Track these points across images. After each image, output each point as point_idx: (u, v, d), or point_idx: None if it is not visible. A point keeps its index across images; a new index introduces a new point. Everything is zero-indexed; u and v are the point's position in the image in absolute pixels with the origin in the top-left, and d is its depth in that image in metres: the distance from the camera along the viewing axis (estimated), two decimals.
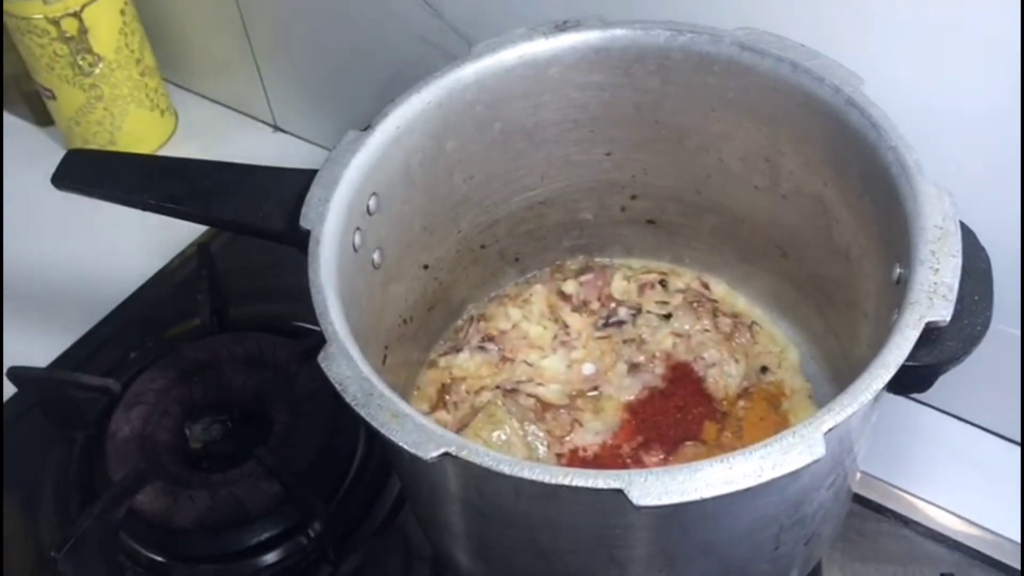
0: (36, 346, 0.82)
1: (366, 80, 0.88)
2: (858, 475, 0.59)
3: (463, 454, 0.44)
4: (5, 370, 0.76)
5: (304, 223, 0.54)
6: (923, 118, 0.57)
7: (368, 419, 0.46)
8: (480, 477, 0.47)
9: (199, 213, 0.61)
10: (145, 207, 0.61)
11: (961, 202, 0.51)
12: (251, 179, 0.61)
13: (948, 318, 0.47)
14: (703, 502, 0.42)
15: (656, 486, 0.42)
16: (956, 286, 0.47)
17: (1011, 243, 0.63)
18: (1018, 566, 0.67)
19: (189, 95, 1.06)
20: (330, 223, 0.54)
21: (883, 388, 0.45)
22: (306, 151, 0.99)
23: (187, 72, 1.05)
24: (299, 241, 0.54)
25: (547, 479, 0.43)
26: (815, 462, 0.43)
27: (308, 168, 0.58)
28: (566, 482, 0.43)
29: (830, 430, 0.43)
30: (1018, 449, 0.73)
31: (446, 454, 0.44)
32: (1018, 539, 0.68)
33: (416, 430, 0.45)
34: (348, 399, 0.47)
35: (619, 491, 0.42)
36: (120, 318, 0.86)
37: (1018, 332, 0.67)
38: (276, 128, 1.03)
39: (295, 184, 0.57)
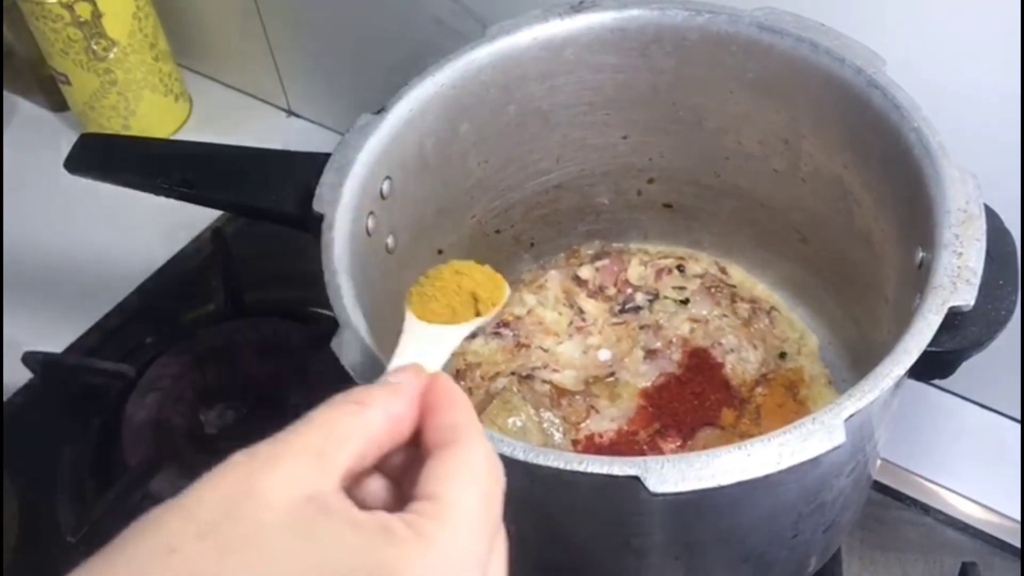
0: (51, 331, 0.82)
1: (380, 64, 0.88)
2: (878, 462, 0.59)
3: None
4: (21, 355, 0.76)
5: (317, 207, 0.54)
6: (946, 99, 0.56)
7: None
8: None
9: (212, 197, 0.61)
10: (158, 191, 0.61)
11: (987, 185, 0.50)
12: (264, 163, 0.60)
13: (972, 302, 0.46)
14: (721, 489, 0.42)
15: (673, 473, 0.41)
16: (980, 270, 0.47)
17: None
18: None
19: (203, 80, 1.06)
20: (343, 207, 0.54)
21: (905, 374, 0.45)
22: (320, 136, 0.99)
23: (201, 57, 1.05)
24: (312, 226, 0.54)
25: (562, 465, 0.42)
26: (835, 449, 0.42)
27: (322, 152, 0.58)
28: (581, 468, 0.42)
29: (850, 417, 0.43)
30: None
31: None
32: None
33: None
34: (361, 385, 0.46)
35: (635, 478, 0.42)
36: (135, 303, 0.85)
37: None
38: (290, 113, 1.02)
39: (308, 168, 0.57)
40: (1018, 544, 0.67)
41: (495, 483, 0.35)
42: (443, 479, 0.34)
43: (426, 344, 0.41)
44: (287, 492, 0.31)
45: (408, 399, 0.36)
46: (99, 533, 0.66)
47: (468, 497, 0.33)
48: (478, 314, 0.43)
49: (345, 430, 0.34)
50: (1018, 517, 0.68)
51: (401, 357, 0.40)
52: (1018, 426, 0.73)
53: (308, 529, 0.31)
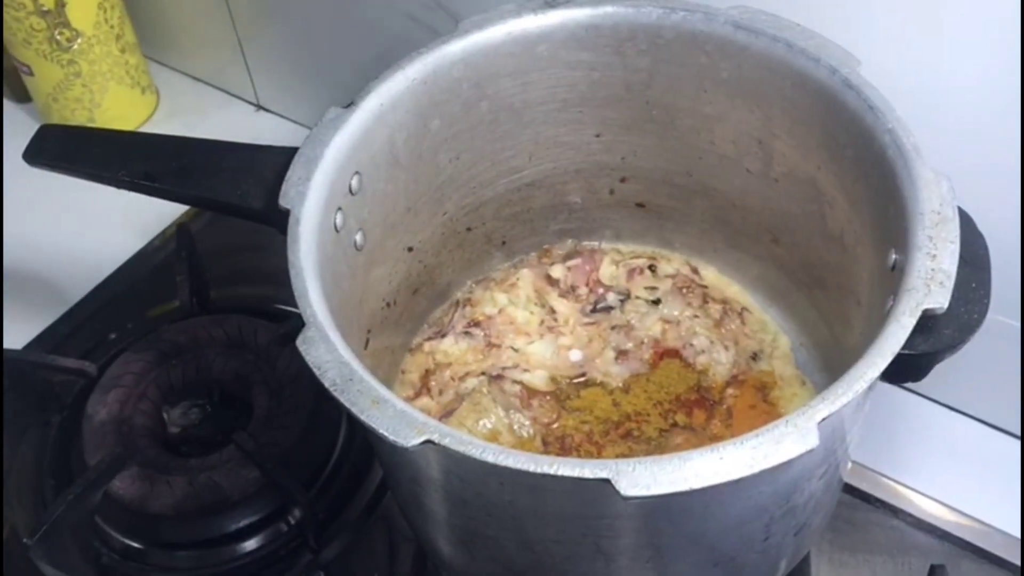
0: (12, 328, 0.80)
1: (351, 58, 0.87)
2: (849, 465, 0.58)
3: (445, 442, 0.43)
4: None
5: (283, 202, 0.53)
6: (922, 100, 0.56)
7: (347, 405, 0.44)
8: (463, 465, 0.46)
9: (175, 191, 0.59)
10: (120, 184, 0.59)
11: (959, 187, 0.50)
12: (230, 157, 0.59)
13: (945, 305, 0.45)
14: (692, 493, 0.41)
15: (644, 476, 0.41)
16: (954, 273, 0.46)
17: (1011, 232, 0.62)
18: (1007, 556, 0.66)
19: (171, 72, 1.04)
20: (310, 203, 0.53)
21: (878, 376, 0.44)
22: (289, 130, 0.98)
23: (169, 49, 1.03)
24: (279, 221, 0.53)
25: (532, 468, 0.42)
26: (808, 452, 0.41)
27: (290, 146, 0.56)
28: (552, 471, 0.41)
29: (823, 420, 0.42)
30: (1012, 440, 0.72)
31: (427, 441, 0.43)
32: (1009, 529, 0.67)
33: (397, 416, 0.44)
34: (327, 384, 0.45)
35: (606, 481, 0.41)
36: (98, 299, 0.84)
37: (1016, 323, 0.66)
38: (259, 107, 1.01)
39: (275, 162, 0.56)
40: (985, 546, 0.67)
41: None
42: None
43: None
44: None
45: None
46: (57, 534, 0.64)
47: None
48: None
49: None
50: (987, 520, 0.68)
51: None
52: (987, 429, 0.73)
53: None
